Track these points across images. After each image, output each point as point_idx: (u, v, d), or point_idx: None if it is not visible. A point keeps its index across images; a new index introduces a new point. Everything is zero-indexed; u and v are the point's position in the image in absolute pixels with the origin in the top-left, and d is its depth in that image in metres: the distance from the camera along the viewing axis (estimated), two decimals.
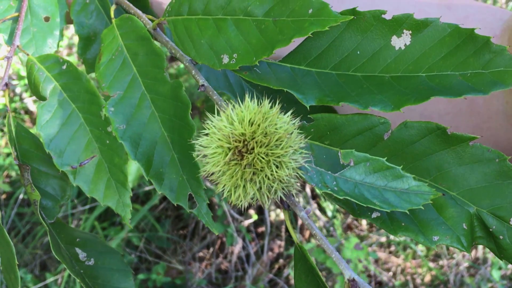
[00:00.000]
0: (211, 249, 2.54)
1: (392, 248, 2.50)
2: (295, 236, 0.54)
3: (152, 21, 0.66)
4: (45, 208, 0.68)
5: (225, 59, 0.57)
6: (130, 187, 0.65)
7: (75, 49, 2.60)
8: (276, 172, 0.50)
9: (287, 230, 2.55)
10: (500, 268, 2.35)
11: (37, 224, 2.43)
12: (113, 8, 0.69)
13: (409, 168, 0.52)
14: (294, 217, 2.51)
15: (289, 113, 0.53)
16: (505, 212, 0.50)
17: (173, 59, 2.73)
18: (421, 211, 0.52)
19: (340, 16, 0.51)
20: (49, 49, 0.73)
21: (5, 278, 0.60)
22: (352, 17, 0.52)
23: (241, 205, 0.53)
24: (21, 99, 2.58)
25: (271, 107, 0.52)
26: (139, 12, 0.67)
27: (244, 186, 0.52)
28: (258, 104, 0.52)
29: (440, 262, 2.45)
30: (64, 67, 0.68)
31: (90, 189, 0.66)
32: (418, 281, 2.42)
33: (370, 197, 0.50)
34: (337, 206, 2.51)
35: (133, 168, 2.06)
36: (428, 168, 0.52)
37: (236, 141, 0.51)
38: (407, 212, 0.50)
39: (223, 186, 0.53)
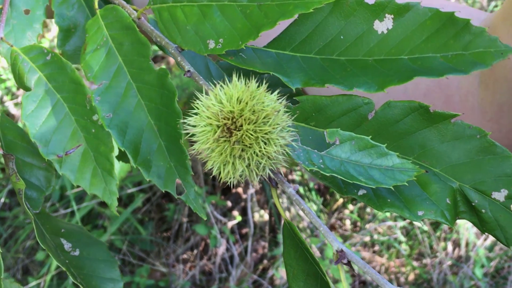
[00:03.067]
0: (195, 251, 2.54)
1: (376, 247, 2.52)
2: (284, 213, 0.55)
3: (137, 11, 0.67)
4: (30, 199, 0.68)
5: (211, 44, 0.57)
6: (116, 175, 0.65)
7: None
8: (264, 148, 0.51)
9: (270, 231, 2.56)
10: (482, 266, 2.38)
11: (19, 228, 2.41)
12: None
13: (393, 146, 0.54)
14: (278, 218, 2.52)
15: (275, 92, 0.54)
16: (486, 186, 0.52)
17: (154, 61, 2.72)
18: (405, 188, 0.53)
19: None
20: (28, 42, 0.73)
21: None
22: None
23: (231, 182, 0.54)
24: (2, 103, 2.56)
25: (258, 87, 0.53)
26: (123, 2, 0.68)
27: (233, 163, 0.52)
28: (245, 84, 0.53)
29: (424, 261, 2.47)
30: (49, 57, 0.68)
31: (76, 178, 0.66)
32: (402, 280, 2.44)
33: (356, 174, 0.51)
34: (321, 207, 2.52)
35: (116, 169, 2.05)
36: (412, 146, 0.54)
37: (224, 119, 0.52)
38: (392, 188, 0.52)
39: (212, 163, 0.53)
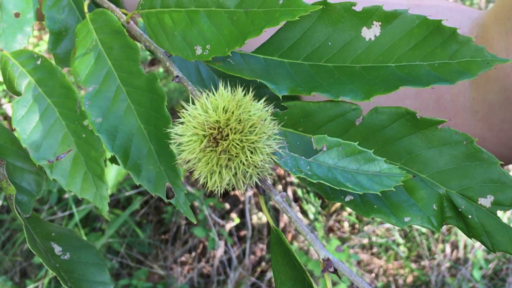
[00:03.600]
0: (193, 254, 2.53)
1: (374, 249, 2.52)
2: (271, 220, 0.55)
3: (126, 14, 0.67)
4: (21, 203, 0.68)
5: (199, 51, 0.57)
6: (109, 178, 0.65)
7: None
8: (250, 157, 0.52)
9: (269, 234, 2.56)
10: (480, 268, 2.38)
11: (17, 231, 2.41)
12: (86, 2, 0.70)
13: (380, 152, 0.54)
14: (276, 219, 2.52)
15: (262, 100, 0.54)
16: (473, 192, 0.52)
17: (152, 63, 2.73)
18: (392, 194, 0.54)
19: (310, 6, 0.52)
20: (19, 45, 0.73)
21: None
22: (322, 7, 0.53)
23: (218, 191, 0.54)
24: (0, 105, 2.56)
25: (244, 95, 0.53)
26: (113, 6, 0.68)
27: (219, 172, 0.53)
28: (232, 93, 0.54)
29: (422, 263, 2.47)
30: (39, 62, 0.68)
31: (67, 183, 0.66)
32: (400, 282, 2.44)
33: (343, 181, 0.51)
34: (319, 209, 2.52)
35: (112, 174, 2.06)
36: (399, 152, 0.54)
37: (211, 128, 0.52)
38: (379, 194, 0.52)
39: (199, 173, 0.53)
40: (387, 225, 2.49)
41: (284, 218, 2.54)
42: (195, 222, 0.63)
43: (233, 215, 2.53)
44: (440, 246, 2.48)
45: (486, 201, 0.51)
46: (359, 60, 0.54)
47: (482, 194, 0.51)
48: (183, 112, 0.55)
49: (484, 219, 0.51)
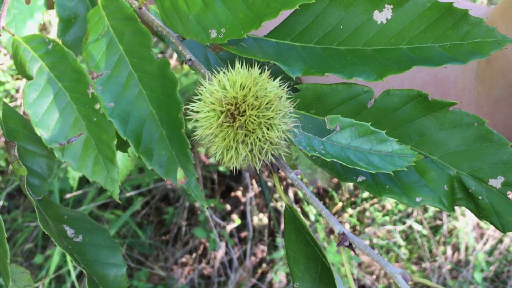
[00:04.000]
0: (194, 255, 2.53)
1: (375, 251, 2.51)
2: (285, 198, 0.56)
3: (138, 1, 0.67)
4: (32, 186, 0.68)
5: (213, 34, 0.58)
6: (118, 163, 0.65)
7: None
8: (267, 133, 0.52)
9: (270, 235, 2.56)
10: (482, 271, 2.38)
11: (17, 231, 2.41)
12: None
13: (392, 134, 0.54)
14: (277, 221, 2.52)
15: (278, 79, 0.55)
16: (483, 173, 0.52)
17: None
18: (404, 175, 0.54)
19: None
20: (29, 31, 0.74)
21: None
22: None
23: (233, 168, 0.55)
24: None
25: (260, 74, 0.54)
26: None
27: (236, 148, 0.53)
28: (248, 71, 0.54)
29: (423, 265, 2.47)
30: (50, 46, 0.69)
31: (79, 166, 0.66)
32: None
33: (356, 160, 0.52)
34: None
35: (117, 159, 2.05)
36: (410, 134, 0.54)
37: (228, 104, 0.53)
38: (392, 174, 0.53)
39: (216, 148, 0.54)
40: (388, 226, 2.49)
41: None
42: (206, 206, 0.63)
43: (234, 216, 2.53)
44: (442, 248, 2.48)
45: (496, 182, 0.52)
46: (371, 43, 0.55)
47: (492, 175, 0.52)
48: (200, 89, 0.55)
49: (494, 200, 0.52)
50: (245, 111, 0.53)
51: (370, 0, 0.55)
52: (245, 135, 0.53)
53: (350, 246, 0.50)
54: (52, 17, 2.49)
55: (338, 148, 0.53)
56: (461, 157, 0.53)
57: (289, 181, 2.57)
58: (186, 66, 2.32)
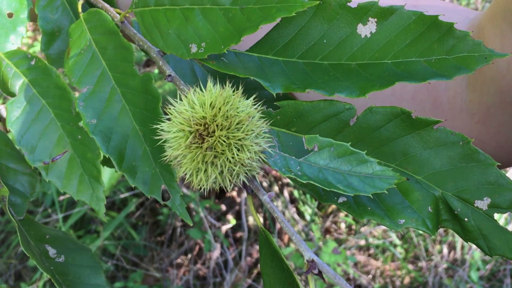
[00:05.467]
0: (189, 256, 2.53)
1: (371, 251, 2.52)
2: (259, 221, 0.55)
3: (120, 14, 0.66)
4: (14, 205, 0.67)
5: (194, 49, 0.57)
6: (103, 181, 0.64)
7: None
8: (237, 155, 0.51)
9: None
10: (478, 269, 2.38)
11: (12, 233, 2.40)
12: (80, 2, 0.69)
13: (375, 153, 0.53)
14: (272, 221, 2.51)
15: (251, 98, 0.54)
16: (469, 194, 0.51)
17: (147, 65, 2.72)
18: (386, 196, 0.53)
19: (306, 1, 0.51)
20: (12, 45, 0.72)
21: None
22: (319, 2, 0.53)
23: (203, 189, 0.53)
24: None
25: (234, 91, 0.53)
26: (107, 5, 0.67)
27: (205, 169, 0.52)
28: (220, 90, 0.53)
29: (419, 264, 2.47)
30: (33, 62, 0.68)
31: (63, 185, 0.66)
32: (398, 283, 2.44)
33: (334, 182, 0.50)
34: (315, 210, 2.51)
35: (105, 178, 2.05)
36: (394, 153, 0.53)
37: (197, 124, 0.52)
38: (372, 196, 0.51)
39: (185, 170, 0.53)
40: (384, 226, 2.48)
41: (286, 215, 2.53)
42: (191, 224, 0.62)
43: (229, 216, 2.53)
44: (437, 247, 2.48)
45: (482, 204, 0.51)
46: (355, 57, 0.54)
47: (478, 197, 0.51)
48: (169, 108, 0.54)
49: (480, 222, 0.51)
50: (214, 131, 0.51)
51: (353, 13, 0.54)
52: (215, 157, 0.51)
53: (319, 274, 0.49)
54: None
55: (316, 169, 0.51)
56: (446, 177, 0.52)
57: (284, 181, 2.57)
58: None
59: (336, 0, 0.54)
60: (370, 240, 2.51)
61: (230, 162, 0.51)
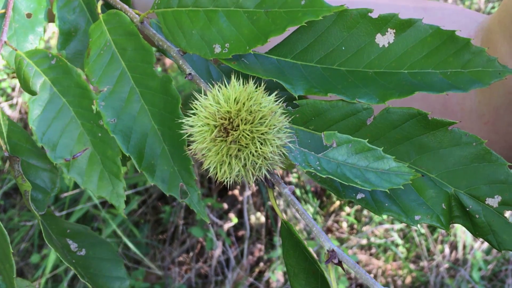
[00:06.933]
0: (191, 254, 2.54)
1: (373, 250, 2.53)
2: (281, 214, 0.56)
3: (139, 15, 0.68)
4: (35, 200, 0.69)
5: (217, 49, 0.59)
6: (123, 178, 0.66)
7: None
8: (260, 148, 0.53)
9: (267, 234, 2.57)
10: (480, 269, 2.39)
11: (13, 230, 2.41)
12: (100, 3, 0.71)
13: (390, 151, 0.55)
14: (274, 221, 2.52)
15: (273, 94, 0.55)
16: (481, 192, 0.53)
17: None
18: (402, 193, 0.55)
19: (332, 6, 0.54)
20: (31, 45, 0.74)
21: None
22: (344, 7, 0.55)
23: (227, 182, 0.55)
24: None
25: (256, 89, 0.55)
26: (126, 6, 0.69)
27: (229, 162, 0.54)
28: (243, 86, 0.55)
29: (421, 264, 2.47)
30: (54, 62, 0.69)
31: (84, 181, 0.67)
32: (399, 282, 2.45)
33: (352, 177, 0.52)
34: (317, 209, 2.53)
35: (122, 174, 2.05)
36: (409, 152, 0.55)
37: (221, 119, 0.54)
38: (389, 192, 0.53)
39: (209, 163, 0.55)
40: (386, 225, 2.50)
41: (288, 214, 2.54)
42: (208, 222, 0.64)
43: (231, 215, 2.54)
44: (439, 247, 2.49)
45: (493, 201, 0.53)
46: (372, 65, 0.56)
47: (489, 194, 0.53)
48: (194, 103, 0.56)
49: (491, 218, 0.53)
50: (238, 125, 0.53)
51: (373, 23, 0.56)
52: (239, 150, 0.53)
53: (339, 263, 0.51)
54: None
55: (334, 164, 0.53)
56: (459, 175, 0.54)
57: (286, 180, 2.58)
58: None
59: (357, 10, 0.56)
60: (372, 239, 2.52)
61: (253, 155, 0.53)
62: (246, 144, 0.53)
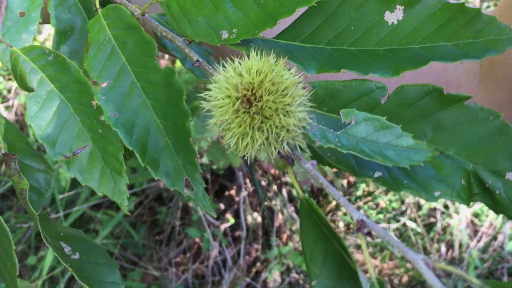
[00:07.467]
0: (188, 254, 2.53)
1: (370, 249, 2.53)
2: (300, 191, 0.55)
3: (139, 9, 0.67)
4: (30, 201, 0.67)
5: (225, 35, 0.58)
6: (126, 174, 0.65)
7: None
8: (284, 120, 0.52)
9: (264, 234, 2.56)
10: (476, 268, 2.40)
11: (11, 232, 2.39)
12: None
13: (406, 130, 0.54)
14: (270, 221, 2.52)
15: (294, 68, 0.55)
16: (500, 167, 0.52)
17: None
18: (420, 170, 0.54)
19: None
20: (24, 43, 0.72)
21: None
22: None
23: (248, 157, 0.54)
24: None
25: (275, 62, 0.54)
26: (125, 1, 0.68)
27: (251, 135, 0.53)
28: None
29: None
30: (51, 58, 0.68)
31: (85, 178, 0.66)
32: (396, 281, 2.45)
33: (372, 153, 0.51)
34: None
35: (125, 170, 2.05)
36: (425, 130, 0.54)
37: (244, 89, 0.52)
38: (408, 170, 0.53)
39: (231, 135, 0.53)
40: (382, 224, 2.50)
41: (279, 218, 2.54)
42: (214, 216, 0.63)
43: (228, 215, 2.53)
44: (435, 245, 2.49)
45: None
46: (382, 43, 0.55)
47: (509, 169, 0.51)
48: (214, 75, 0.55)
49: (511, 193, 0.52)
50: (261, 96, 0.52)
51: (381, 1, 0.55)
52: (261, 122, 0.52)
53: (369, 233, 0.50)
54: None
55: (354, 141, 0.52)
56: (477, 151, 0.53)
57: (283, 180, 2.57)
58: (177, 65, 2.32)
59: None
60: (368, 238, 2.52)
61: (276, 127, 0.52)
62: (270, 115, 0.52)
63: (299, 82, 0.53)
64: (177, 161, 0.63)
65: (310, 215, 0.55)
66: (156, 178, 0.63)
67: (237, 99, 0.52)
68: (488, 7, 2.73)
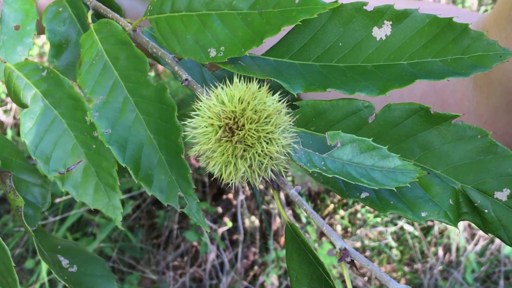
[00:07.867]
0: (185, 258, 2.53)
1: (367, 253, 2.53)
2: (286, 215, 0.55)
3: (131, 24, 0.67)
4: (26, 216, 0.67)
5: (212, 53, 0.58)
6: (119, 190, 0.65)
7: (45, 58, 2.58)
8: (266, 148, 0.52)
9: (261, 237, 2.56)
10: (473, 271, 2.39)
11: (8, 236, 2.39)
12: (90, 13, 0.70)
13: (394, 149, 0.54)
14: (268, 225, 2.52)
15: (277, 93, 0.54)
16: (488, 186, 0.52)
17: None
18: (408, 190, 0.54)
19: (327, 3, 0.53)
20: (19, 57, 0.73)
21: (1, 284, 0.60)
22: (339, 3, 0.54)
23: (233, 184, 0.54)
24: None
25: (259, 88, 0.54)
26: (117, 15, 0.68)
27: (235, 163, 0.53)
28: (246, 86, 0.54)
29: (415, 266, 2.48)
30: (44, 73, 0.68)
31: (79, 194, 0.66)
32: None
33: (358, 176, 0.51)
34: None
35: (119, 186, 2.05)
36: (413, 148, 0.54)
37: (226, 118, 0.53)
38: (395, 190, 0.52)
39: (214, 164, 0.54)
40: (380, 228, 2.50)
41: (277, 222, 2.54)
42: (208, 231, 0.63)
43: (226, 219, 2.53)
44: (433, 249, 2.49)
45: (502, 195, 0.51)
46: (371, 59, 0.55)
47: (498, 188, 0.51)
48: (197, 104, 0.55)
49: (500, 213, 0.51)
50: (243, 125, 0.52)
51: (369, 17, 0.55)
52: (244, 150, 0.52)
53: (352, 262, 0.50)
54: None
55: (340, 164, 0.52)
56: (465, 170, 0.53)
57: (288, 176, 2.57)
58: None
59: (352, 4, 0.55)
60: (366, 242, 2.52)
61: (259, 155, 0.52)
62: (252, 143, 0.52)
63: (282, 109, 0.53)
64: (171, 176, 0.63)
65: (296, 240, 0.55)
66: (149, 194, 0.63)
67: (220, 127, 0.53)
68: (485, 11, 2.74)
